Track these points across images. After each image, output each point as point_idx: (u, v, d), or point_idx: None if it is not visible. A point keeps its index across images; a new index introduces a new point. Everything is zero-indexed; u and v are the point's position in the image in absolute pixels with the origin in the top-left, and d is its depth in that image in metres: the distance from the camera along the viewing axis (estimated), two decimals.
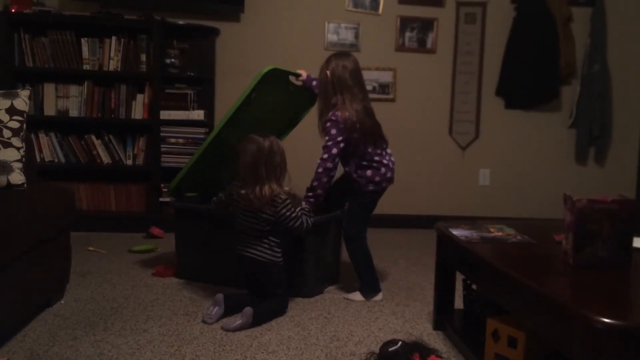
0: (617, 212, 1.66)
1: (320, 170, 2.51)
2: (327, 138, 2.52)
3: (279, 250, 2.44)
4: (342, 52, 2.69)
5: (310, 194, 2.55)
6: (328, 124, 2.51)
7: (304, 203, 2.53)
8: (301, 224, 2.39)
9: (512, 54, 4.27)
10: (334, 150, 2.50)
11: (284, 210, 2.35)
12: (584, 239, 1.67)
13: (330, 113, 2.52)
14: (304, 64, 4.17)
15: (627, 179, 4.43)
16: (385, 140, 2.64)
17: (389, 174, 2.61)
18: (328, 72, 2.56)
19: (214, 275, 2.77)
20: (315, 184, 2.54)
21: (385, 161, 2.60)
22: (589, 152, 4.42)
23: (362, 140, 2.53)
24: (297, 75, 2.79)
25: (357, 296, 2.63)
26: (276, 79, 2.63)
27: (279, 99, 2.81)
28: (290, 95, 2.86)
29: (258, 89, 2.56)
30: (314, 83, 2.78)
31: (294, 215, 2.37)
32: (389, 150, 2.65)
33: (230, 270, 2.74)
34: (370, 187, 2.58)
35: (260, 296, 2.41)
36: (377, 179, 2.57)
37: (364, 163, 2.57)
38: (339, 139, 2.49)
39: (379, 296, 2.63)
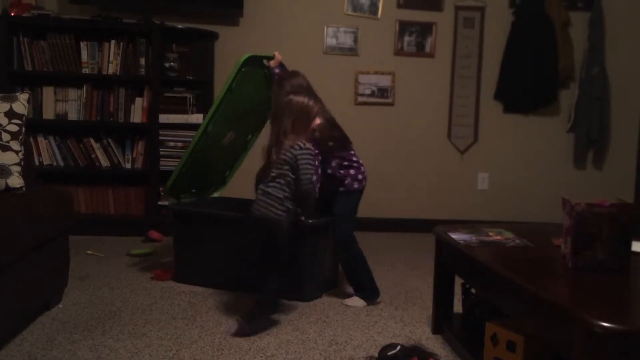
0: (615, 216, 1.66)
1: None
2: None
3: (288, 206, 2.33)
4: (292, 72, 2.79)
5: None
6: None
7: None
8: (311, 182, 2.31)
9: (510, 58, 4.27)
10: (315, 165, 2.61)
11: (303, 156, 2.30)
12: (582, 243, 1.67)
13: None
14: (303, 68, 4.18)
15: (626, 182, 4.43)
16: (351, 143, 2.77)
17: (365, 173, 2.74)
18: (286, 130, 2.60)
19: (213, 279, 2.76)
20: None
21: (360, 161, 2.74)
22: (587, 155, 4.42)
23: (338, 145, 2.66)
24: (271, 58, 2.93)
25: (356, 301, 2.62)
26: (255, 68, 2.79)
27: (259, 90, 2.94)
28: (268, 84, 2.96)
29: (238, 79, 2.70)
30: (276, 75, 2.87)
31: (310, 167, 2.31)
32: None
33: (228, 274, 2.74)
34: (356, 185, 2.69)
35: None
36: (360, 177, 2.69)
37: (345, 163, 2.68)
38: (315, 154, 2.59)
39: (379, 298, 2.64)
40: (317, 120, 2.51)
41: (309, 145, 2.32)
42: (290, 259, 2.49)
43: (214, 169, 3.17)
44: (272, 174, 2.33)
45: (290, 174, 2.30)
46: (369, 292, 2.63)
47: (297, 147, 2.29)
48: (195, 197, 3.10)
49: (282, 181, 2.30)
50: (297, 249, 2.56)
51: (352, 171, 2.68)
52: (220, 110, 2.76)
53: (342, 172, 2.67)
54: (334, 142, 2.64)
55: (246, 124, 3.13)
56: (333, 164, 2.66)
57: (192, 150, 2.80)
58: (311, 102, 2.35)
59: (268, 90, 2.90)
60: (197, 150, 2.81)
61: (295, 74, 2.76)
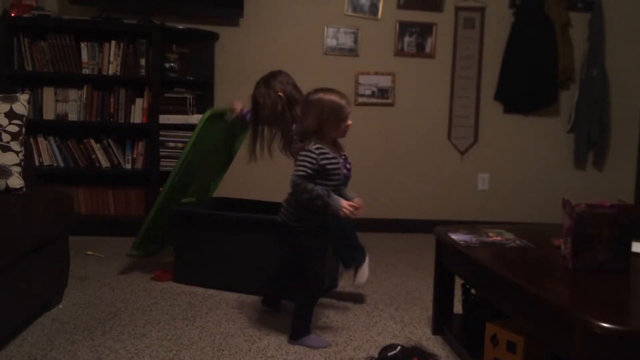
0: (616, 217, 1.66)
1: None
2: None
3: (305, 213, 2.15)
4: (274, 72, 2.70)
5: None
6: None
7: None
8: (297, 178, 2.07)
9: (510, 58, 4.28)
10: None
11: (301, 156, 2.09)
12: (583, 244, 1.67)
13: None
14: (303, 68, 4.18)
15: (626, 183, 4.43)
16: None
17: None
18: (281, 93, 2.61)
19: (213, 280, 2.76)
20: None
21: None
22: (587, 156, 4.42)
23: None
24: (231, 111, 2.90)
25: (362, 274, 2.58)
26: (216, 119, 2.84)
27: (219, 137, 3.04)
28: (227, 130, 3.06)
29: (202, 134, 2.78)
30: (248, 115, 2.81)
31: (300, 164, 2.07)
32: None
33: (228, 275, 2.74)
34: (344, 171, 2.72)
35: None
36: (348, 165, 2.70)
37: None
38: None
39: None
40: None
41: (315, 147, 2.08)
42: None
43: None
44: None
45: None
46: (357, 255, 2.59)
47: (306, 147, 2.09)
48: (161, 247, 3.15)
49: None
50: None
51: None
52: (185, 164, 2.81)
53: None
54: None
55: (211, 166, 3.22)
56: None
57: (158, 208, 2.84)
58: (344, 102, 2.13)
59: (224, 136, 3.04)
60: (162, 207, 2.86)
61: (279, 72, 2.69)
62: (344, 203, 2.11)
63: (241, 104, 2.86)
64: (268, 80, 2.64)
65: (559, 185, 4.36)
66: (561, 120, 4.40)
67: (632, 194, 4.39)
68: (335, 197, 2.11)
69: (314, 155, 2.07)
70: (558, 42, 4.23)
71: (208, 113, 2.81)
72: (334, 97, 2.12)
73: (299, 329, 2.16)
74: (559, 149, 4.42)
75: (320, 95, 2.12)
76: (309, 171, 2.07)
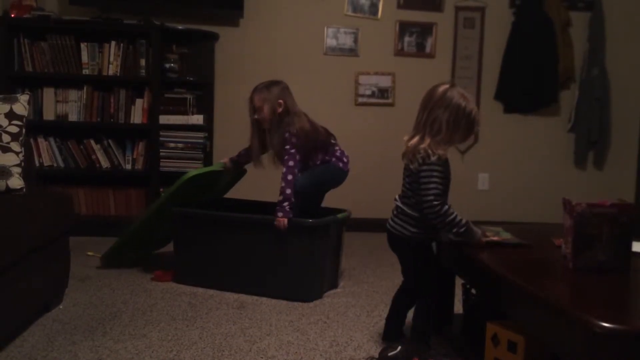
0: (616, 216, 1.67)
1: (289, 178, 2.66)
2: (287, 157, 2.68)
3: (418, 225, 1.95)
4: (271, 81, 2.80)
5: (285, 203, 2.60)
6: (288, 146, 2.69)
7: (280, 214, 2.57)
8: (435, 199, 1.84)
9: (511, 58, 4.27)
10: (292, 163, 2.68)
11: (423, 177, 1.85)
12: (583, 243, 1.67)
13: (287, 135, 2.70)
14: (303, 68, 4.20)
15: (626, 183, 4.43)
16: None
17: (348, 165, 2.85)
18: (282, 101, 2.72)
19: (213, 280, 2.76)
20: (288, 191, 2.63)
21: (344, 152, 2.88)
22: (588, 156, 4.42)
23: (322, 144, 2.79)
24: (222, 167, 2.97)
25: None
26: (198, 179, 2.86)
27: (204, 185, 3.04)
28: (213, 180, 3.09)
29: (178, 193, 2.83)
30: (240, 159, 2.97)
31: (432, 187, 1.83)
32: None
33: (229, 275, 2.74)
34: (341, 165, 2.82)
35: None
36: (345, 159, 2.84)
37: (327, 157, 2.83)
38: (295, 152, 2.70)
39: None
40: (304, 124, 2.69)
41: (437, 158, 1.86)
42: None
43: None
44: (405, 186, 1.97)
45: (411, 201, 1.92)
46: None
47: (426, 159, 1.87)
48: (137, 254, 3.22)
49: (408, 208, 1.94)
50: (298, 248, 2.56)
51: (334, 157, 2.83)
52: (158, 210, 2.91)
53: (327, 157, 2.82)
54: (314, 142, 2.77)
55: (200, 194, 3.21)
56: (318, 156, 2.80)
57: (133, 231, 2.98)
58: (475, 109, 1.90)
59: (212, 181, 3.08)
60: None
61: (280, 81, 2.81)
62: (481, 232, 1.95)
63: (227, 159, 2.99)
64: (269, 85, 2.75)
65: (559, 184, 4.35)
66: (561, 120, 4.40)
67: (633, 194, 4.39)
68: (473, 224, 1.92)
69: (439, 168, 1.85)
70: (558, 42, 4.23)
71: (191, 174, 2.81)
72: (466, 101, 1.90)
73: (393, 333, 2.08)
74: (559, 149, 4.42)
75: (448, 91, 1.91)
76: (441, 187, 1.85)
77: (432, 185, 1.84)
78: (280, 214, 2.58)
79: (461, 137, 1.93)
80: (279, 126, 2.74)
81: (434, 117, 1.89)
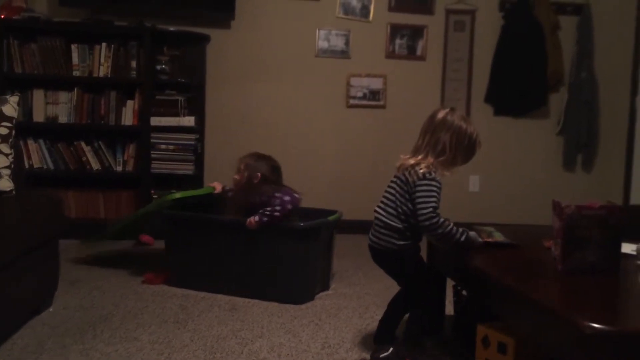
0: (605, 218, 1.68)
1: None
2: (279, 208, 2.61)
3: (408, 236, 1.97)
4: (267, 155, 2.79)
5: (268, 213, 2.59)
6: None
7: (257, 218, 2.57)
8: (433, 212, 1.87)
9: (500, 61, 4.31)
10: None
11: (422, 191, 1.87)
12: (572, 245, 1.68)
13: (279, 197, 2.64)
14: (295, 71, 4.20)
15: (615, 185, 4.47)
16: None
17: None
18: (259, 174, 2.69)
19: (204, 283, 2.76)
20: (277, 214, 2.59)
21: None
22: (577, 158, 4.46)
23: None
24: (211, 191, 2.94)
25: None
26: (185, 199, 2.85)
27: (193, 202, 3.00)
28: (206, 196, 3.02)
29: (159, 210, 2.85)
30: (230, 194, 2.91)
31: (432, 200, 1.85)
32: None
33: (220, 278, 2.73)
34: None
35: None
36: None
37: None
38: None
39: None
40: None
41: (436, 176, 1.90)
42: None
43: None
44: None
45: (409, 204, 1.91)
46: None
47: (427, 174, 1.89)
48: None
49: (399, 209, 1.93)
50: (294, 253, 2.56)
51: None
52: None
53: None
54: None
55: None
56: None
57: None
58: (475, 131, 2.01)
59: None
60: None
61: (270, 157, 2.79)
62: (477, 234, 1.98)
63: (220, 185, 2.95)
64: (260, 158, 2.75)
65: (549, 187, 4.39)
66: (551, 122, 4.44)
67: (621, 196, 4.43)
68: (466, 230, 1.96)
69: (439, 185, 1.89)
70: (547, 45, 4.27)
71: (173, 196, 2.80)
72: (467, 126, 2.00)
73: (385, 336, 2.06)
74: (548, 151, 4.46)
75: (448, 117, 2.01)
76: (438, 202, 1.89)
77: (432, 199, 1.87)
78: (256, 218, 2.58)
79: (463, 159, 1.98)
80: (251, 195, 2.70)
81: (436, 139, 1.95)
